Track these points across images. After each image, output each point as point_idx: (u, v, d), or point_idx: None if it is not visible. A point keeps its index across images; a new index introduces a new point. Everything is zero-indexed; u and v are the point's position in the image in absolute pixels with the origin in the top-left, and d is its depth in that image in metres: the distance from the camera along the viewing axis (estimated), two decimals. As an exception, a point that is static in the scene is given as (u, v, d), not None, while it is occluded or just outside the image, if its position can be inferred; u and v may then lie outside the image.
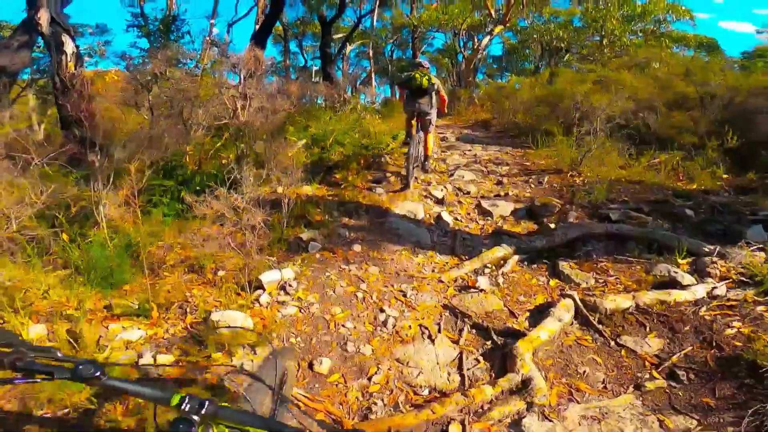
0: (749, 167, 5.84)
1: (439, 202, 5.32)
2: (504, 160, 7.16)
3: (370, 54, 17.69)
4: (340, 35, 19.72)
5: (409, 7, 22.04)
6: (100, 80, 8.62)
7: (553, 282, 3.65)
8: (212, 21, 13.43)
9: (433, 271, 3.90)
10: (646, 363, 2.65)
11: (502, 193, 5.50)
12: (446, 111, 6.12)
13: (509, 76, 14.78)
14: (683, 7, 17.12)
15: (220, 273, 3.53)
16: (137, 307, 2.88)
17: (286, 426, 0.82)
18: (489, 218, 4.93)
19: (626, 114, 6.72)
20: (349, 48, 20.53)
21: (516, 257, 3.92)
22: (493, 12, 13.43)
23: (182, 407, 0.80)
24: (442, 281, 3.72)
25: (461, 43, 21.39)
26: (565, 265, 3.75)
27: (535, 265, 3.91)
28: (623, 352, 2.76)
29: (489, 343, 2.90)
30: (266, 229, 3.61)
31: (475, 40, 17.79)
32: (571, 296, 3.17)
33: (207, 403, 0.80)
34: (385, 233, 4.48)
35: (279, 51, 27.86)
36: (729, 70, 9.84)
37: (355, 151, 6.35)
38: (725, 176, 6.13)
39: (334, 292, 3.48)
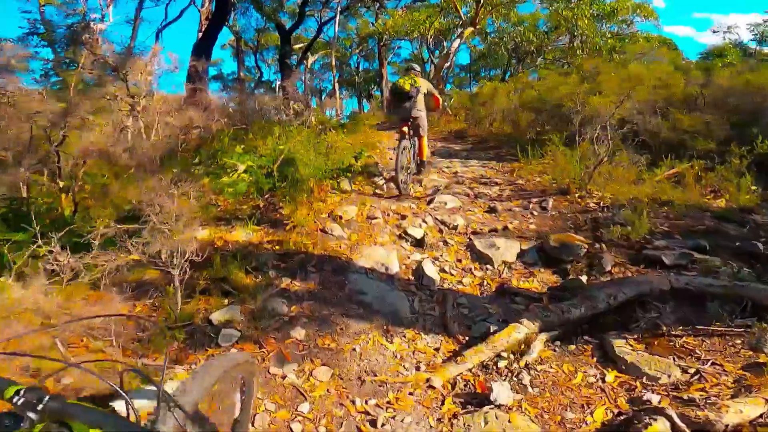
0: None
1: (419, 243, 4.00)
2: (491, 178, 5.92)
3: (333, 64, 16.42)
4: (301, 45, 18.43)
5: (374, 15, 21.01)
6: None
7: (610, 375, 2.36)
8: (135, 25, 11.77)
9: (417, 368, 2.55)
10: None
11: (499, 227, 4.22)
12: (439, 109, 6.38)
13: (483, 83, 13.79)
14: (650, 7, 16.72)
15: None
16: None
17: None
18: (489, 267, 3.63)
19: (631, 118, 5.61)
20: (311, 59, 19.25)
21: (543, 336, 2.62)
22: (461, 14, 12.43)
23: (15, 401, 0.70)
24: (433, 387, 2.38)
25: (427, 52, 20.51)
26: (622, 345, 2.47)
27: (575, 347, 2.62)
28: None
29: None
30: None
31: (444, 46, 16.81)
32: (662, 412, 1.88)
33: (47, 398, 0.71)
34: (345, 302, 3.12)
35: (253, 66, 26.43)
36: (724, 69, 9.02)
37: (311, 175, 4.96)
38: (753, 187, 5.06)
39: (252, 425, 2.09)
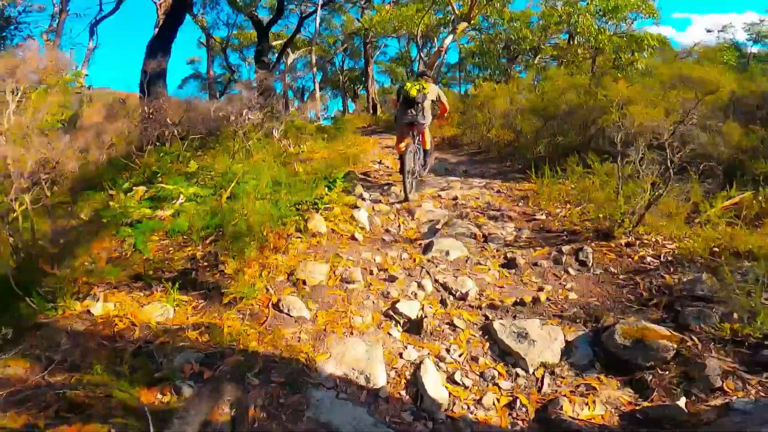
0: None
1: (413, 327, 2.77)
2: (501, 208, 4.71)
3: (314, 61, 15.05)
4: (280, 42, 17.06)
5: (360, 11, 19.70)
6: None
7: None
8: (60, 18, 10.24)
9: None
10: None
11: (527, 298, 3.00)
12: (445, 116, 6.14)
13: (479, 82, 12.61)
14: (653, 4, 15.72)
15: None
16: None
17: None
18: (520, 371, 2.41)
19: (687, 133, 4.43)
20: (291, 57, 17.86)
21: None
22: (455, 9, 11.22)
23: None
24: None
25: (416, 50, 19.22)
26: None
27: None
28: None
29: None
30: None
31: (435, 42, 15.58)
32: None
33: None
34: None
35: (219, 64, 24.88)
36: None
37: (265, 217, 3.68)
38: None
39: None
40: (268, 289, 3.08)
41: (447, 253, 3.67)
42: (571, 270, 3.33)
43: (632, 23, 15.94)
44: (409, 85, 5.10)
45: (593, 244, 3.63)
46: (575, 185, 4.91)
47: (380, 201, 4.99)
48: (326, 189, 4.28)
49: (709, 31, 33.69)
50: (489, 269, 3.47)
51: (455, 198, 5.11)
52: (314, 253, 3.57)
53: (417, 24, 13.78)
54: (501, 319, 2.80)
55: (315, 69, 15.50)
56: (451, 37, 10.95)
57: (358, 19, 19.30)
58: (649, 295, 2.91)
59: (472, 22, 11.44)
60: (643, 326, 2.45)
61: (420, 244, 3.90)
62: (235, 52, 25.78)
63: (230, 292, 3.01)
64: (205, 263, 3.37)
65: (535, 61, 14.81)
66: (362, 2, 19.24)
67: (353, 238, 3.93)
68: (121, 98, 6.33)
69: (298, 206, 4.14)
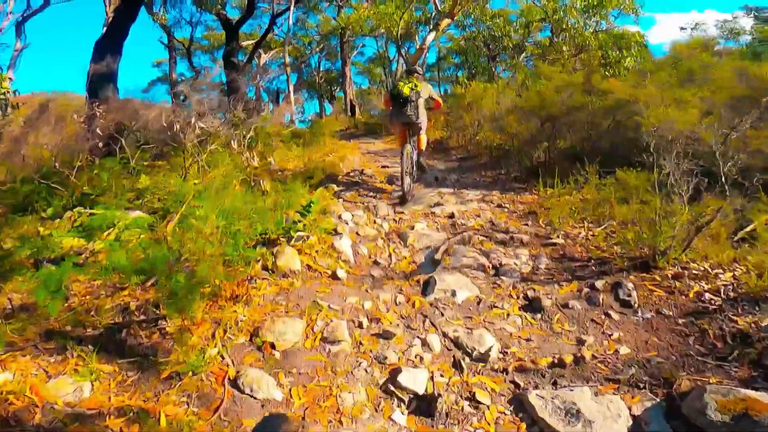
0: None
1: (422, 407, 2.06)
2: (509, 228, 4.01)
3: (287, 62, 14.14)
4: (252, 42, 16.13)
5: (336, 10, 18.87)
6: None
7: None
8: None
9: None
10: None
11: (567, 357, 2.29)
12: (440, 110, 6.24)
13: (462, 81, 12.01)
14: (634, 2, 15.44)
15: None
16: None
17: None
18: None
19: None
20: (264, 58, 16.92)
21: None
22: (437, 4, 10.57)
23: None
24: None
25: (395, 49, 18.49)
26: None
27: None
28: None
29: None
30: None
31: (416, 40, 14.88)
32: None
33: None
34: None
35: (187, 67, 23.65)
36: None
37: (217, 258, 2.88)
38: None
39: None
40: (223, 357, 2.32)
41: (453, 294, 2.95)
42: (613, 313, 2.66)
43: (614, 21, 15.68)
44: (401, 83, 5.00)
45: (632, 277, 2.97)
46: (588, 197, 4.28)
47: (366, 222, 4.26)
48: (299, 215, 3.49)
49: (682, 28, 34.07)
50: (508, 314, 2.78)
51: (452, 215, 4.41)
52: (285, 301, 2.81)
53: (397, 22, 13.09)
54: (537, 388, 2.11)
55: (289, 70, 14.61)
56: (433, 34, 10.31)
57: (334, 18, 18.50)
58: (725, 346, 2.26)
59: (455, 18, 10.82)
60: (744, 395, 1.78)
61: (418, 281, 3.18)
62: (206, 53, 24.66)
63: (171, 362, 2.24)
64: (141, 317, 2.58)
65: (519, 60, 14.28)
66: (339, 1, 18.45)
67: (335, 276, 3.18)
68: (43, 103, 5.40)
69: (265, 236, 3.37)
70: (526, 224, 4.07)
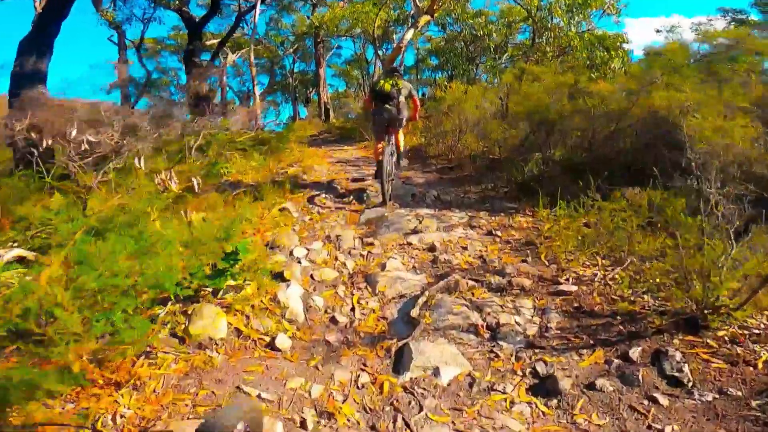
0: None
1: None
2: (504, 267, 3.19)
3: (252, 62, 13.05)
4: (213, 42, 15.05)
5: (311, 9, 17.93)
6: None
7: None
8: None
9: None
10: None
11: None
12: (417, 117, 5.97)
13: (441, 82, 11.28)
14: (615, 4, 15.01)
15: None
16: None
17: None
18: None
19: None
20: (232, 57, 15.85)
21: None
22: (417, 1, 9.77)
23: None
24: None
25: (372, 51, 17.65)
26: None
27: None
28: None
29: None
30: None
31: (394, 40, 14.04)
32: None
33: None
34: None
35: (155, 67, 22.32)
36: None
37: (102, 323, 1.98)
38: None
39: None
40: None
41: (435, 372, 2.12)
42: (659, 396, 1.86)
43: (597, 22, 15.21)
44: (382, 82, 5.04)
45: (676, 341, 2.18)
46: (593, 219, 3.50)
47: (325, 259, 3.39)
48: (228, 262, 2.58)
49: (658, 31, 34.31)
50: (512, 403, 1.95)
51: (432, 247, 3.57)
52: (196, 386, 1.93)
53: (373, 20, 12.25)
54: None
55: (254, 71, 13.59)
56: (411, 32, 9.52)
57: (308, 17, 17.56)
58: None
59: (435, 15, 10.06)
60: None
61: (388, 350, 2.33)
62: (174, 54, 23.39)
63: None
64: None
65: (502, 61, 13.61)
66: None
67: (273, 346, 2.31)
68: None
69: (182, 288, 2.47)
70: (525, 261, 3.25)
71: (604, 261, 3.14)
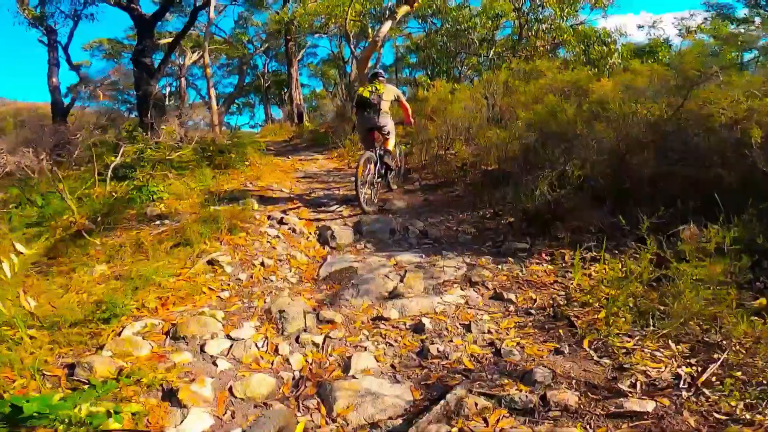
0: None
1: None
2: (527, 366, 2.10)
3: (207, 62, 11.51)
4: (169, 40, 13.61)
5: (282, 4, 16.56)
6: None
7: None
8: None
9: None
10: None
11: None
12: (411, 121, 5.63)
13: (423, 80, 10.16)
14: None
15: None
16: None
17: None
18: None
19: None
20: (191, 57, 14.43)
21: None
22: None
23: None
24: None
25: (349, 49, 16.34)
26: None
27: None
28: None
29: None
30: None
31: (370, 32, 12.75)
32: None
33: None
34: None
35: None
36: None
37: None
38: None
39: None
40: None
41: None
42: None
43: (587, 15, 14.34)
44: (361, 89, 4.99)
45: None
46: (669, 289, 2.42)
47: (256, 355, 2.23)
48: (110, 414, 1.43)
49: (640, 27, 33.96)
50: None
51: (419, 326, 2.44)
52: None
53: (346, 10, 11.02)
54: None
55: (210, 71, 12.17)
56: (388, 24, 8.35)
57: (277, 12, 16.21)
58: None
59: (415, 6, 8.93)
60: None
61: None
62: (67, 49, 21.67)
63: None
64: None
65: (489, 56, 12.53)
66: (282, -7, 16.22)
67: None
68: None
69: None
70: (560, 351, 2.15)
71: (677, 347, 2.06)
